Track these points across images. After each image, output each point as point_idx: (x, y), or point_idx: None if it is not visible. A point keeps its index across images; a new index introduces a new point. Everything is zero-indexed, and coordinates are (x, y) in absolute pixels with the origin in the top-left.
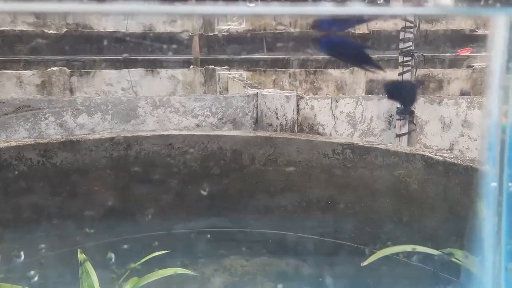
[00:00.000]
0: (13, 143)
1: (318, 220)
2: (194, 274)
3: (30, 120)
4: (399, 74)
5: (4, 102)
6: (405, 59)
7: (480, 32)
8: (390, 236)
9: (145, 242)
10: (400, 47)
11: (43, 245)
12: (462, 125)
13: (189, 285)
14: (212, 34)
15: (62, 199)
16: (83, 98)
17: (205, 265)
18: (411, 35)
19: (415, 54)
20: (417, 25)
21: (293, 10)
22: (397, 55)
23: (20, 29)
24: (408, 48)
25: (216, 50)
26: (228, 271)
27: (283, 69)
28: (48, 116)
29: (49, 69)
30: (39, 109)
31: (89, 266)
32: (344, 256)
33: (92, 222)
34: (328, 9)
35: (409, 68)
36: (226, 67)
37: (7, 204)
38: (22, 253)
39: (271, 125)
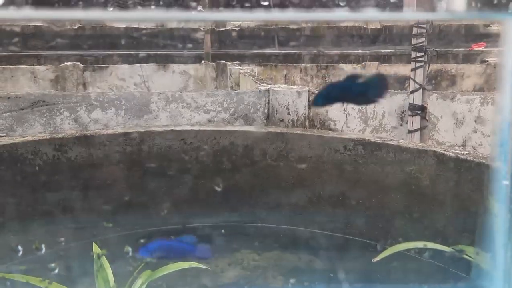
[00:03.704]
0: (30, 138)
1: (329, 216)
2: (207, 267)
3: (45, 115)
4: (412, 70)
5: (20, 98)
6: (418, 54)
7: (494, 27)
8: (400, 232)
9: (158, 236)
10: (413, 42)
11: (59, 238)
12: (475, 121)
13: (202, 278)
14: (223, 29)
15: (76, 193)
16: (97, 94)
17: (218, 259)
18: (424, 31)
19: (428, 50)
20: (431, 21)
21: (308, 17)
22: (409, 50)
23: (34, 24)
24: (421, 44)
25: (228, 45)
26: (240, 265)
27: (294, 64)
28: (63, 111)
29: (63, 64)
30: (54, 104)
31: (103, 259)
32: (355, 252)
33: (106, 216)
34: (342, 15)
35: (422, 63)
36: (237, 62)
37: (23, 197)
38: (41, 245)
39: (282, 120)
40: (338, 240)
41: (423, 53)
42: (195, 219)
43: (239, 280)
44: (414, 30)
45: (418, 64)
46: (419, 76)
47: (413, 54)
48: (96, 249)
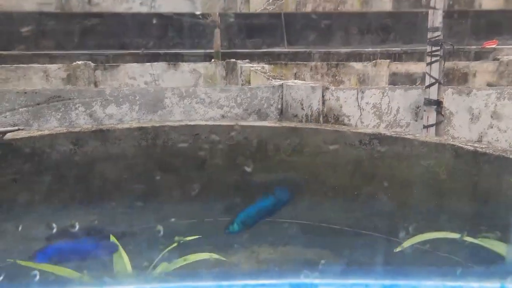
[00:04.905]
0: (46, 132)
1: (344, 211)
2: (223, 259)
3: (60, 110)
4: (427, 64)
5: (36, 93)
6: (434, 49)
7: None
8: (418, 226)
9: (173, 229)
10: (428, 36)
11: (76, 229)
12: (492, 116)
13: (218, 269)
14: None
15: (92, 186)
16: (111, 89)
17: (233, 252)
18: (439, 25)
19: (444, 44)
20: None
21: None
22: (420, 47)
23: (45, 23)
24: (436, 38)
25: (237, 44)
26: (255, 258)
27: (304, 62)
28: (78, 106)
29: (74, 63)
30: (70, 99)
31: (121, 250)
32: (371, 246)
33: (122, 208)
34: None
35: (438, 58)
36: (247, 60)
37: (41, 190)
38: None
39: (296, 116)
40: (352, 234)
41: (439, 47)
42: (208, 212)
43: (254, 272)
44: (430, 23)
45: (434, 59)
46: (435, 70)
47: (428, 48)
48: (113, 240)
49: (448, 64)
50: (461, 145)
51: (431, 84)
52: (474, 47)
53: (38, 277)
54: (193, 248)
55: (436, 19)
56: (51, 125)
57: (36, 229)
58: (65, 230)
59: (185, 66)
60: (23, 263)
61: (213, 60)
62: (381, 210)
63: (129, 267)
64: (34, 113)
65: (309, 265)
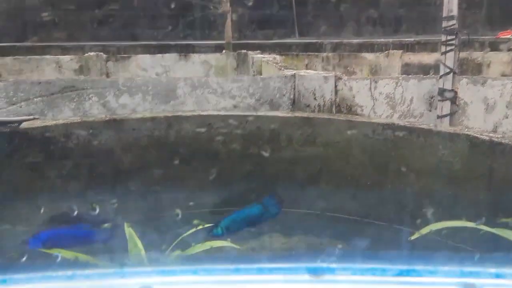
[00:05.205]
0: (61, 121)
1: (356, 201)
2: (237, 247)
3: (74, 100)
4: (442, 53)
5: (50, 83)
6: (449, 38)
7: None
8: (433, 216)
9: (185, 218)
10: (443, 25)
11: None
12: (507, 106)
13: (234, 255)
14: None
15: (106, 175)
16: (124, 79)
17: (246, 241)
18: (455, 13)
19: (459, 33)
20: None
21: None
22: (434, 38)
23: (58, 14)
24: (452, 27)
25: (248, 35)
26: (268, 247)
27: (316, 53)
28: (92, 96)
29: (86, 54)
30: (83, 89)
31: (136, 237)
32: (385, 236)
33: (135, 197)
34: None
35: (453, 47)
36: (258, 51)
37: (56, 178)
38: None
39: (308, 106)
40: (365, 225)
41: (454, 36)
42: (221, 202)
43: (270, 256)
44: (445, 11)
45: (448, 48)
46: (450, 60)
47: (443, 37)
48: (127, 229)
49: (462, 55)
50: (477, 135)
51: (446, 74)
52: (489, 37)
53: (59, 259)
54: (206, 236)
55: (451, 7)
56: (65, 115)
57: (50, 215)
58: (66, 215)
59: (196, 57)
60: (44, 250)
61: (224, 51)
62: (395, 200)
63: (143, 252)
64: (48, 103)
65: (324, 252)
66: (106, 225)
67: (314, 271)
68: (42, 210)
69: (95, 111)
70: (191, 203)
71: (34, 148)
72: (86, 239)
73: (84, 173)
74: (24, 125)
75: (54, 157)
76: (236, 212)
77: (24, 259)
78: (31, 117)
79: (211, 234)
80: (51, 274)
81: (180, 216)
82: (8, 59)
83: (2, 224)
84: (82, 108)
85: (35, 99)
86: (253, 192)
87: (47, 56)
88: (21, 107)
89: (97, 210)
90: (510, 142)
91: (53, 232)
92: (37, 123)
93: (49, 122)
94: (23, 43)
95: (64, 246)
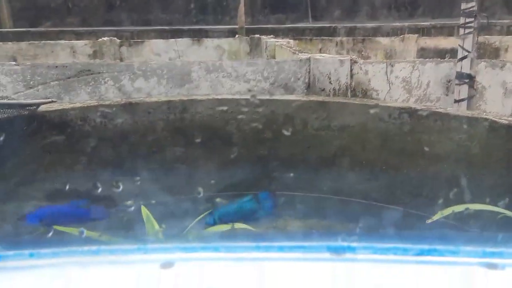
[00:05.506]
0: (78, 104)
1: (372, 185)
2: (254, 229)
3: (90, 84)
4: (460, 36)
5: (66, 66)
6: (467, 20)
7: None
8: (448, 202)
9: (200, 201)
10: (462, 7)
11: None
12: None
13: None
14: None
15: (122, 158)
16: (139, 63)
17: (261, 223)
18: None
19: (478, 15)
20: None
21: None
22: (451, 21)
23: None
24: (471, 9)
25: (261, 20)
26: (283, 230)
27: (329, 38)
28: (107, 80)
29: (100, 39)
30: (99, 73)
31: (152, 218)
32: (402, 219)
33: (149, 179)
34: None
35: (471, 30)
36: (271, 36)
37: (73, 160)
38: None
39: (323, 90)
40: (380, 209)
41: (472, 19)
42: (235, 186)
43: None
44: None
45: (467, 31)
46: (468, 43)
47: (461, 20)
48: (144, 211)
49: (479, 39)
50: (495, 119)
51: (463, 57)
52: (507, 21)
53: (84, 235)
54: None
55: None
56: (82, 98)
57: (68, 196)
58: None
59: (209, 42)
60: (60, 228)
61: (237, 35)
62: (412, 184)
63: (161, 232)
64: (65, 86)
65: (343, 232)
66: (124, 203)
67: (334, 250)
68: (59, 189)
69: (111, 95)
70: (200, 189)
71: (52, 131)
72: (82, 218)
73: (100, 155)
74: (42, 108)
75: (72, 139)
76: (231, 204)
77: (49, 235)
78: (49, 100)
79: (205, 223)
80: (76, 248)
81: (201, 194)
82: (23, 44)
83: (28, 201)
84: (98, 91)
85: (52, 83)
86: (268, 176)
87: (62, 41)
88: (38, 90)
89: (120, 188)
90: None
91: (50, 210)
92: (55, 106)
93: (66, 105)
94: (37, 28)
95: (59, 223)
